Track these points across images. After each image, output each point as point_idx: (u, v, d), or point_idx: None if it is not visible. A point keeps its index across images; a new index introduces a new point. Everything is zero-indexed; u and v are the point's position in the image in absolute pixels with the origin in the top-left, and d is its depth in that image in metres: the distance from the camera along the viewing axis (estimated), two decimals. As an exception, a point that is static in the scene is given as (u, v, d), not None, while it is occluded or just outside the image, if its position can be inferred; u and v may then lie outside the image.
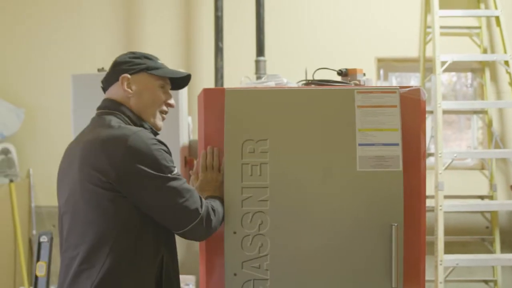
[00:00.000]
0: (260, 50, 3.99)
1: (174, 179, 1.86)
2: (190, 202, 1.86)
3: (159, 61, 2.04)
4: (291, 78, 2.58)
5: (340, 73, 2.43)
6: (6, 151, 4.12)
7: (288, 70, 3.43)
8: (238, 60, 4.21)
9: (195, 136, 2.83)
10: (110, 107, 1.97)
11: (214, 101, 2.19)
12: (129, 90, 1.95)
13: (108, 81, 2.01)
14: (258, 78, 3.75)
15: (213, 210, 1.96)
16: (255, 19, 4.07)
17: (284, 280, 2.14)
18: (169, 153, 1.90)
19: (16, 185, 4.19)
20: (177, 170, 1.90)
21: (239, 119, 2.16)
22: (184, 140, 2.66)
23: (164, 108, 2.03)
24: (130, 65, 1.98)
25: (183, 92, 2.68)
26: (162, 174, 1.83)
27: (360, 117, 2.15)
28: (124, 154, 1.80)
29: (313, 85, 2.32)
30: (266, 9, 4.10)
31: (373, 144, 2.13)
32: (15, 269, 4.19)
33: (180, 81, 2.10)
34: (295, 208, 2.14)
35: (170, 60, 4.23)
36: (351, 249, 2.13)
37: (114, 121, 1.91)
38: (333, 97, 2.18)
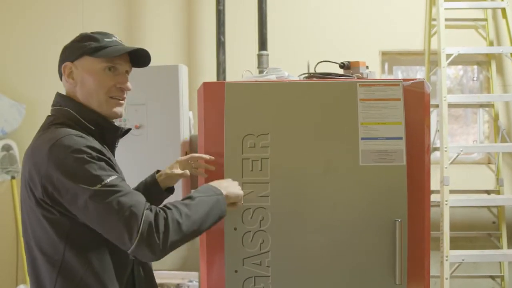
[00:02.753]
0: (262, 44, 3.95)
1: (103, 192, 1.54)
2: (122, 219, 1.54)
3: (107, 39, 1.77)
4: (294, 72, 2.54)
5: (342, 66, 2.39)
6: (7, 148, 4.10)
7: (291, 64, 3.38)
8: (241, 54, 4.17)
9: (196, 132, 2.80)
10: (59, 102, 1.77)
11: (214, 95, 2.15)
12: (71, 80, 1.74)
13: (59, 71, 1.79)
14: (261, 72, 3.71)
15: (165, 221, 1.58)
16: (257, 12, 4.03)
17: (285, 277, 2.11)
18: (104, 159, 1.61)
19: (17, 181, 4.16)
20: (114, 178, 1.58)
21: (239, 113, 2.12)
22: (185, 135, 2.63)
23: (114, 92, 1.76)
24: (72, 50, 1.75)
25: (184, 87, 2.64)
26: (86, 187, 1.54)
27: (363, 111, 2.11)
28: (47, 164, 1.57)
29: (314, 78, 2.28)
30: (268, 2, 4.06)
31: (376, 138, 2.10)
32: (17, 266, 4.18)
33: (140, 58, 1.83)
34: (296, 203, 2.11)
35: (172, 55, 4.22)
36: (354, 245, 2.10)
37: (52, 122, 1.70)
38: (335, 90, 2.14)
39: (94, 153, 1.59)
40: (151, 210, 1.58)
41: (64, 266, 1.61)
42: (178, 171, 2.08)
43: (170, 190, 2.12)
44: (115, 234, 1.56)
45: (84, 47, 1.73)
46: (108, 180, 1.56)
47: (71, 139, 1.59)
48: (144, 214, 1.55)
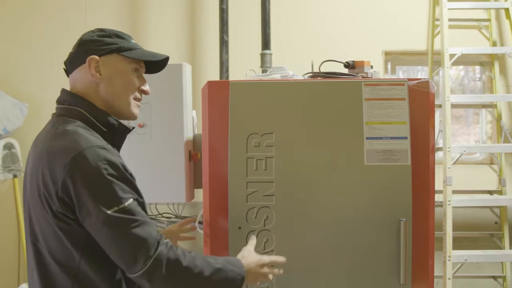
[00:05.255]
0: (265, 43, 3.94)
1: (118, 218, 1.51)
2: (131, 251, 1.52)
3: (132, 41, 1.76)
4: (298, 72, 2.53)
5: (347, 65, 2.39)
6: (10, 146, 4.09)
7: (294, 63, 3.38)
8: (244, 54, 4.16)
9: (199, 131, 2.79)
10: (67, 101, 1.69)
11: (219, 94, 2.15)
12: (98, 75, 1.67)
13: (73, 63, 1.71)
14: (264, 71, 3.71)
15: (173, 265, 1.56)
16: (260, 11, 4.02)
17: (289, 276, 2.10)
18: (125, 177, 1.57)
19: (20, 180, 4.16)
20: (131, 202, 1.55)
21: (244, 112, 2.12)
22: (188, 134, 2.62)
23: (138, 95, 1.76)
24: (99, 44, 1.68)
25: (187, 86, 2.64)
26: (101, 208, 1.50)
27: (368, 110, 2.11)
28: (65, 176, 1.51)
29: (319, 78, 2.28)
30: (272, 2, 4.05)
31: (380, 138, 2.10)
32: (19, 264, 4.17)
33: (156, 65, 1.82)
34: (301, 203, 2.10)
35: (175, 53, 4.21)
36: (358, 245, 2.10)
37: (71, 125, 1.62)
38: (340, 90, 2.14)
39: (115, 172, 1.55)
40: (160, 247, 1.56)
41: (80, 275, 1.58)
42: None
43: None
44: (121, 261, 1.55)
45: (113, 44, 1.69)
46: (126, 204, 1.53)
47: (93, 152, 1.54)
48: (156, 251, 1.54)
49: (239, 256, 1.81)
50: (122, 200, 1.53)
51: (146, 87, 1.78)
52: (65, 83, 1.78)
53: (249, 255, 1.82)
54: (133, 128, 1.85)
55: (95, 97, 1.70)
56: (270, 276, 1.83)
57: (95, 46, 1.68)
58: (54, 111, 1.74)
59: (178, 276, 1.57)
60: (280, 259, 1.89)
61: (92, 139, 1.59)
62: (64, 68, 1.76)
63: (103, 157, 1.54)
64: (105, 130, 1.69)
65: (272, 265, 1.84)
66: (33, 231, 1.64)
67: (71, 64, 1.72)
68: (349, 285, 2.11)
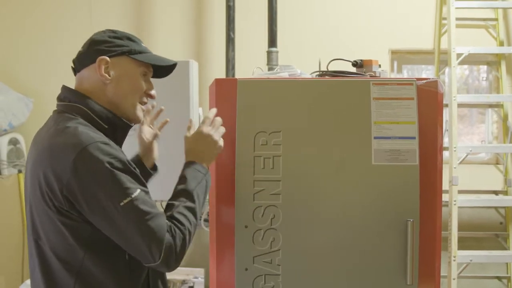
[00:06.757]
0: (272, 41, 3.93)
1: (129, 209, 1.51)
2: (146, 242, 1.52)
3: (142, 44, 1.76)
4: (304, 70, 2.53)
5: (355, 64, 2.37)
6: (15, 141, 4.09)
7: (300, 61, 3.36)
8: (250, 51, 4.16)
9: (205, 128, 2.78)
10: (67, 97, 1.68)
11: (226, 92, 2.14)
12: (107, 76, 1.67)
13: (82, 62, 1.71)
14: (270, 69, 3.70)
15: (183, 241, 1.59)
16: (267, 9, 4.01)
17: (296, 275, 2.10)
18: (129, 170, 1.57)
19: (24, 175, 4.16)
20: (139, 192, 1.55)
21: (251, 111, 2.11)
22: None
23: (144, 99, 1.76)
24: (110, 45, 1.69)
25: (194, 83, 2.63)
26: (111, 202, 1.51)
27: (376, 110, 2.10)
28: (70, 174, 1.50)
29: (327, 77, 2.27)
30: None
31: (389, 138, 2.09)
32: (23, 260, 4.17)
33: (164, 69, 1.83)
34: (308, 202, 2.10)
35: (181, 51, 4.20)
36: (365, 244, 2.09)
37: (72, 122, 1.61)
38: (348, 89, 2.13)
39: (120, 165, 1.54)
40: (170, 230, 1.57)
41: (82, 272, 1.57)
42: (148, 145, 2.08)
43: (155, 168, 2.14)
44: (136, 253, 1.56)
45: (126, 46, 1.70)
46: (134, 195, 1.53)
47: (97, 147, 1.53)
48: (165, 239, 1.55)
49: (187, 154, 1.83)
50: (131, 190, 1.53)
51: (153, 92, 1.78)
52: (71, 78, 1.77)
53: (193, 143, 1.84)
54: (134, 124, 1.83)
55: (101, 97, 1.69)
56: (221, 142, 1.87)
57: (106, 46, 1.69)
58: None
59: (184, 247, 1.60)
60: (211, 113, 1.91)
61: (94, 135, 1.58)
62: (72, 67, 1.76)
63: (106, 151, 1.54)
64: (106, 126, 1.68)
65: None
66: (35, 229, 1.63)
67: (80, 63, 1.72)
68: (355, 285, 2.10)
